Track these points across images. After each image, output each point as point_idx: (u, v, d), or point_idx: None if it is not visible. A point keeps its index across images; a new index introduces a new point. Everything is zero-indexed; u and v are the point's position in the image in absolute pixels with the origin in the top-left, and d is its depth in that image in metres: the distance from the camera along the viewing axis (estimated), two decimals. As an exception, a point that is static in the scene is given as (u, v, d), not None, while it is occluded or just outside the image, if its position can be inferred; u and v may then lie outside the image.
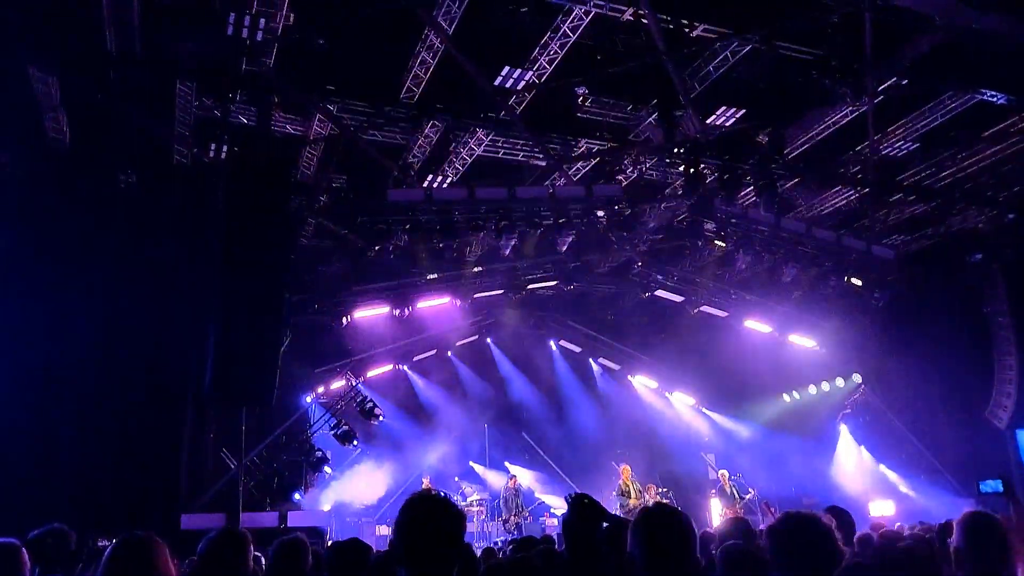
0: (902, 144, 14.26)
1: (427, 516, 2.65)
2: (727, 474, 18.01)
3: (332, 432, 17.37)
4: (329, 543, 10.31)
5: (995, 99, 12.72)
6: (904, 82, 12.38)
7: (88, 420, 12.59)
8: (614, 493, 17.17)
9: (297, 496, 16.45)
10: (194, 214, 13.72)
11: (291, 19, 10.39)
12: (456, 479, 19.86)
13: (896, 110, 13.28)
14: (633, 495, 16.90)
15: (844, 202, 16.38)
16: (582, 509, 3.82)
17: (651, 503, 16.92)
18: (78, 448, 12.32)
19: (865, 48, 10.93)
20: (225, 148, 12.52)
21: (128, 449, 12.73)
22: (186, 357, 13.52)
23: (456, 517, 2.68)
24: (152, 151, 13.12)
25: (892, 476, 18.78)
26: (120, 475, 12.40)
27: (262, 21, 10.12)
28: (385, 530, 17.09)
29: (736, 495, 17.49)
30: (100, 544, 10.75)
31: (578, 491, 3.84)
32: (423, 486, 17.52)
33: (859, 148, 14.37)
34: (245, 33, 10.28)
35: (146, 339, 13.12)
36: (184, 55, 10.90)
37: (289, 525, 13.04)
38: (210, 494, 13.65)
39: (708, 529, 9.29)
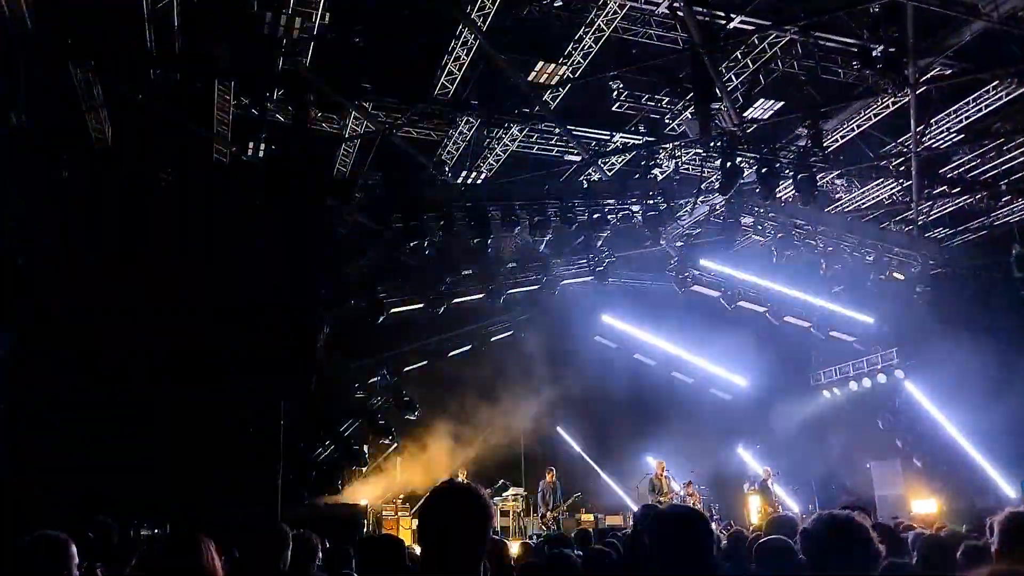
0: (945, 135, 13.93)
1: (448, 507, 2.56)
2: (769, 471, 17.86)
3: (369, 426, 17.50)
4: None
5: (1042, 88, 12.40)
6: (947, 72, 12.10)
7: (130, 413, 12.82)
8: (646, 489, 17.11)
9: (334, 489, 16.62)
10: (233, 212, 13.91)
11: (327, 18, 10.45)
12: (493, 475, 19.90)
13: (939, 101, 12.98)
14: (666, 490, 16.83)
15: (886, 195, 16.06)
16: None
17: (685, 500, 16.85)
18: (120, 442, 12.56)
19: (907, 37, 10.70)
20: (263, 147, 12.65)
21: (169, 442, 12.95)
22: (225, 352, 13.72)
23: (479, 508, 2.56)
24: (192, 150, 13.31)
25: (935, 474, 18.43)
26: (161, 468, 12.61)
27: (298, 20, 10.20)
28: (421, 524, 17.17)
29: (775, 492, 17.37)
30: (143, 535, 10.99)
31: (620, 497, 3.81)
32: (458, 478, 17.57)
33: (901, 139, 14.07)
34: (281, 32, 10.38)
35: (186, 334, 13.32)
36: (221, 55, 11.02)
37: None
38: (249, 487, 13.83)
39: (742, 529, 9.20)
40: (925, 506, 17.42)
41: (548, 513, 17.37)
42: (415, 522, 17.44)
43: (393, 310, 16.88)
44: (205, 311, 13.68)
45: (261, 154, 13.01)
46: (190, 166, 13.48)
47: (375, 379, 19.07)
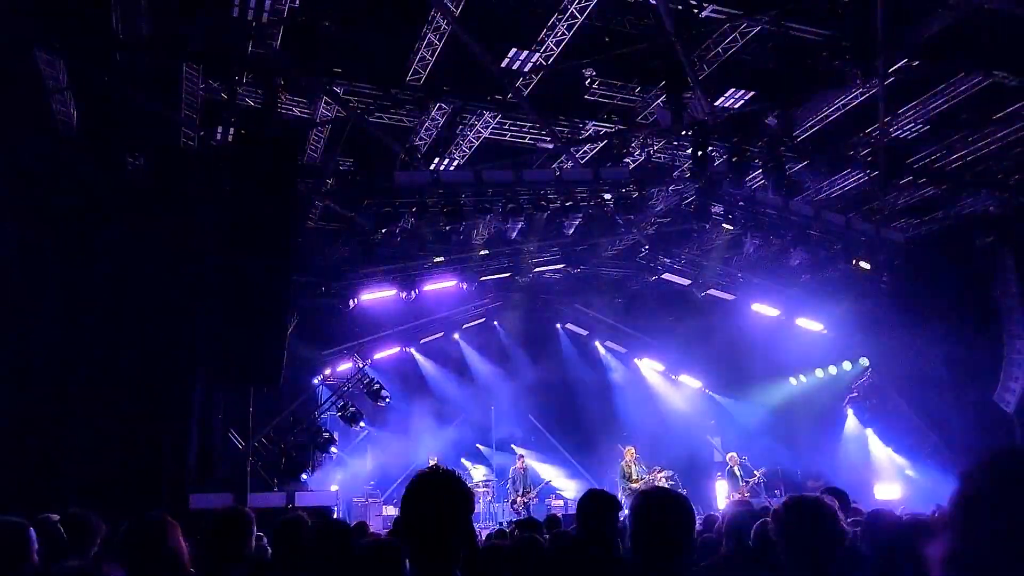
0: (912, 126, 14.12)
1: (432, 494, 2.60)
2: (736, 456, 18.07)
3: (339, 413, 17.47)
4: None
5: (1007, 81, 12.58)
6: (915, 63, 12.24)
7: (97, 402, 12.67)
8: (617, 475, 17.26)
9: (304, 476, 16.58)
10: (201, 196, 13.75)
11: (296, 1, 10.33)
12: (463, 460, 19.97)
13: (907, 92, 13.12)
14: (635, 477, 16.99)
15: (853, 185, 16.26)
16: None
17: (654, 485, 17.04)
18: (87, 431, 12.42)
19: (876, 29, 10.81)
20: (232, 130, 12.50)
21: (137, 430, 12.83)
22: (194, 339, 13.59)
23: (463, 496, 2.61)
24: (159, 134, 13.13)
25: (899, 460, 18.81)
26: (129, 456, 12.50)
27: (268, 3, 10.07)
28: (392, 510, 17.23)
29: (741, 477, 17.57)
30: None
31: (589, 481, 3.91)
32: (430, 466, 17.62)
33: (869, 130, 14.23)
34: (251, 15, 10.25)
35: (154, 321, 13.19)
36: (190, 37, 10.86)
37: (296, 505, 13.15)
38: (218, 474, 13.77)
39: (713, 512, 9.34)
40: (889, 491, 17.78)
41: (518, 499, 17.46)
42: (386, 508, 17.46)
43: (364, 296, 16.82)
44: (171, 295, 13.53)
45: (230, 138, 12.86)
46: (157, 150, 13.30)
47: (346, 366, 19.03)
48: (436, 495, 2.60)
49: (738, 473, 17.71)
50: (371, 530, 8.48)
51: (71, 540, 4.89)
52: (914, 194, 16.42)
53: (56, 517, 5.37)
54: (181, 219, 13.40)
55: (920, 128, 14.17)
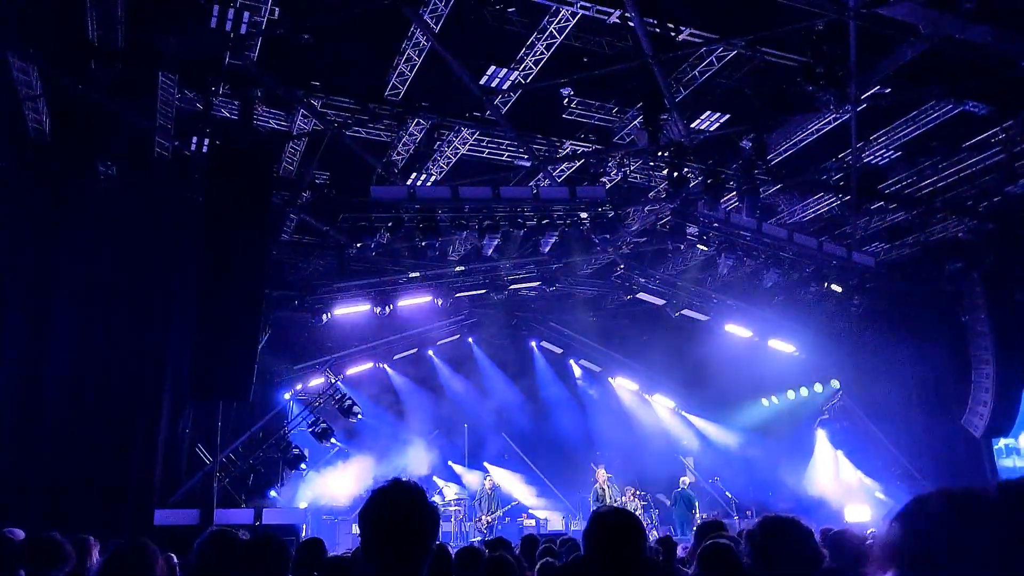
0: (884, 152, 14.33)
1: (394, 508, 2.44)
2: (685, 482, 18.38)
3: (310, 429, 17.26)
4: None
5: (977, 110, 12.82)
6: (887, 90, 12.44)
7: (64, 415, 12.46)
8: (591, 499, 17.22)
9: (273, 493, 16.36)
10: (174, 207, 13.63)
11: (276, 13, 10.29)
12: (435, 478, 19.82)
13: (879, 118, 13.33)
14: (608, 498, 16.95)
15: (826, 209, 16.45)
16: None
17: (626, 507, 17.00)
18: (53, 444, 12.20)
19: (849, 56, 10.98)
20: (207, 141, 12.39)
21: (103, 444, 12.62)
22: (163, 351, 13.41)
23: (426, 510, 2.46)
24: (133, 143, 12.99)
25: (868, 482, 18.92)
26: (95, 470, 12.29)
27: (246, 14, 10.01)
28: (362, 528, 17.01)
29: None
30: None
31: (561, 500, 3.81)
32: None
33: (841, 155, 14.43)
34: (229, 26, 10.18)
35: (124, 333, 13.01)
36: (167, 47, 10.77)
37: (264, 522, 12.94)
38: (184, 490, 13.54)
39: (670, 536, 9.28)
40: (859, 513, 17.86)
41: (484, 517, 17.37)
42: (356, 526, 17.27)
43: (338, 311, 16.71)
44: (141, 306, 13.37)
45: (204, 149, 12.75)
46: (130, 159, 13.17)
47: (318, 381, 18.85)
48: (398, 511, 2.43)
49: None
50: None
51: (37, 562, 4.68)
52: (885, 219, 16.64)
53: (21, 532, 5.24)
54: (153, 229, 13.27)
55: (891, 154, 14.38)
